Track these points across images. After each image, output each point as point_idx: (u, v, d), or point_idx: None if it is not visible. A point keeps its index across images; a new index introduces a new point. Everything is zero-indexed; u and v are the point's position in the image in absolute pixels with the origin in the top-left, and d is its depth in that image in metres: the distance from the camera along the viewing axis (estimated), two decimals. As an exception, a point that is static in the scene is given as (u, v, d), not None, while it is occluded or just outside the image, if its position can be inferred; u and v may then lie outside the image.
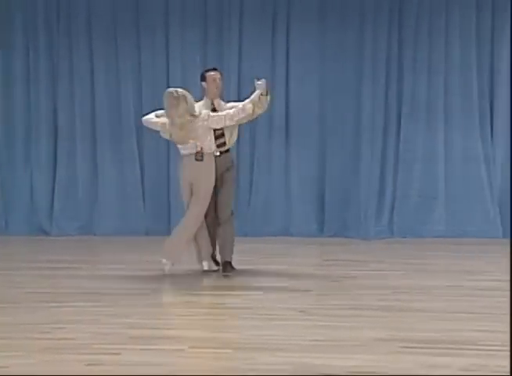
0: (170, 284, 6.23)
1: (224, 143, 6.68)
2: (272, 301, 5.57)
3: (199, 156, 6.49)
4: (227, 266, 6.64)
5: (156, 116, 6.71)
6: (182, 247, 6.61)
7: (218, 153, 6.62)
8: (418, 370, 3.82)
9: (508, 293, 5.76)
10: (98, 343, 4.37)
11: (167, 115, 6.50)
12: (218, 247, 6.76)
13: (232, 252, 6.71)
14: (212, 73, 6.81)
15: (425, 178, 9.03)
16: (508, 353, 4.10)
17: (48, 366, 3.97)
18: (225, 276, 6.51)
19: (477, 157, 8.96)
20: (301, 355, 4.13)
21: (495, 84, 8.99)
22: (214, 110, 6.69)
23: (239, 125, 6.80)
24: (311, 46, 9.09)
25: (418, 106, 9.02)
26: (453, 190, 9.02)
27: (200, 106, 6.66)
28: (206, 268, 6.68)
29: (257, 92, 6.49)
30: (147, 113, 6.88)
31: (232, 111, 6.53)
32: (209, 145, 6.52)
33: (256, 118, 6.96)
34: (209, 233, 6.70)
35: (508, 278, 6.40)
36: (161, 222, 9.19)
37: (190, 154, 6.50)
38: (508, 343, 4.28)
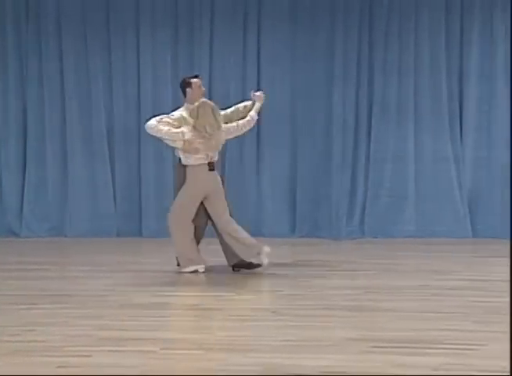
0: (141, 285, 6.20)
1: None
2: (243, 301, 5.57)
3: (212, 166, 6.62)
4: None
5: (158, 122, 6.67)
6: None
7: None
8: (388, 370, 3.84)
9: (478, 292, 5.82)
10: (68, 345, 4.33)
11: (201, 123, 6.51)
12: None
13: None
14: (196, 80, 6.91)
15: (396, 179, 9.09)
16: (475, 352, 4.13)
17: (17, 368, 3.93)
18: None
19: (447, 158, 9.04)
20: (273, 355, 4.13)
21: (464, 86, 9.07)
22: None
23: None
24: (282, 47, 9.10)
25: (388, 107, 9.08)
26: (423, 190, 9.09)
27: (182, 112, 6.73)
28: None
29: (258, 105, 6.87)
30: (149, 119, 6.81)
31: (242, 122, 6.80)
32: (216, 154, 6.69)
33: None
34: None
35: (477, 278, 6.47)
36: (133, 223, 9.16)
37: (200, 165, 6.55)
38: (476, 342, 4.31)
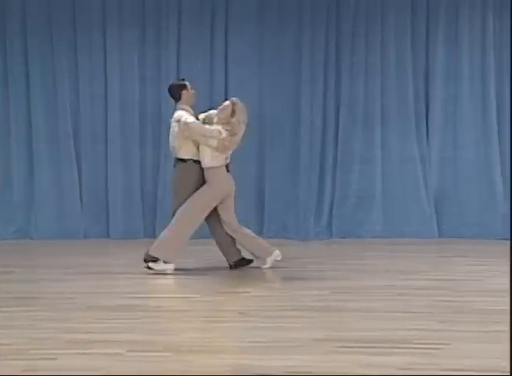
0: (108, 288, 6.17)
1: None
2: (211, 303, 5.56)
3: (228, 167, 6.80)
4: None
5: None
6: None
7: None
8: (355, 370, 3.86)
9: (444, 291, 5.87)
10: (34, 348, 4.29)
11: (237, 120, 6.67)
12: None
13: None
14: (187, 82, 6.98)
15: (363, 179, 9.14)
16: (441, 351, 4.16)
17: (-18, 372, 3.88)
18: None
19: (414, 158, 9.11)
20: (240, 356, 4.13)
21: (430, 87, 9.15)
22: (197, 117, 6.89)
23: None
24: (249, 48, 9.12)
25: (356, 108, 9.13)
26: (390, 191, 9.15)
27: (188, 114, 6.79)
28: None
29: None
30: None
31: None
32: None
33: None
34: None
35: (442, 277, 6.52)
36: (100, 224, 9.10)
37: (221, 166, 6.70)
38: (442, 341, 4.35)
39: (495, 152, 9.04)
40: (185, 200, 6.71)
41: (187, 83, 6.97)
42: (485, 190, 9.04)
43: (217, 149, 6.66)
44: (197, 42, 9.13)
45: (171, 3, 9.10)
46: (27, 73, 9.14)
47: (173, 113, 6.93)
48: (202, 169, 6.76)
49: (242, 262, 6.92)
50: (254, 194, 9.21)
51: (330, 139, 9.17)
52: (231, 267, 6.87)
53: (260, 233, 9.10)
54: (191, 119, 6.72)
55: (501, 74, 9.06)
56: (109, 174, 9.10)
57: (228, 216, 6.83)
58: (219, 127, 6.69)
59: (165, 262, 6.70)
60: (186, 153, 6.78)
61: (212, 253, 8.06)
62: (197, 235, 8.87)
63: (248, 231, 6.93)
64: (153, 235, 9.07)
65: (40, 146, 9.16)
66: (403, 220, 9.09)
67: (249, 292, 5.95)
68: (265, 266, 6.88)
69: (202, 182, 6.77)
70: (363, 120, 9.17)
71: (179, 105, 6.89)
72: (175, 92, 6.93)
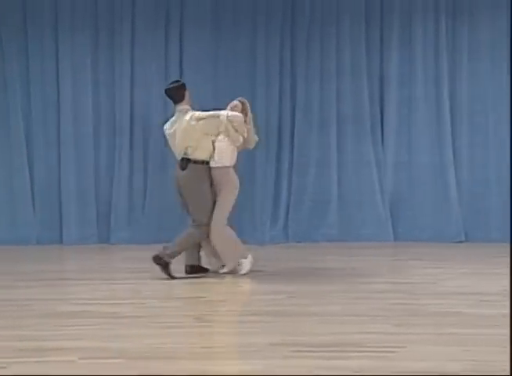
0: (61, 294, 6.09)
1: None
2: (166, 308, 5.50)
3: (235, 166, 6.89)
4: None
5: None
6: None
7: None
8: (311, 374, 3.84)
9: (400, 295, 5.89)
10: (-17, 357, 4.19)
11: (250, 117, 6.85)
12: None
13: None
14: None
15: (319, 183, 9.17)
16: (396, 354, 4.16)
17: None
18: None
19: (369, 162, 9.17)
20: (196, 362, 4.08)
21: (385, 91, 9.22)
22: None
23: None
24: (204, 52, 9.10)
25: (311, 111, 9.15)
26: (346, 195, 9.19)
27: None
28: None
29: None
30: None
31: None
32: None
33: None
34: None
35: (398, 280, 6.54)
36: (53, 230, 8.97)
37: (234, 165, 6.79)
38: (397, 344, 4.35)
39: (449, 154, 9.14)
40: (205, 202, 6.64)
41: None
42: (440, 193, 9.12)
43: (238, 146, 6.77)
44: (152, 46, 9.07)
45: (124, 6, 9.03)
46: (-23, 77, 9.00)
47: (175, 115, 6.78)
48: (209, 170, 6.70)
49: (197, 269, 6.81)
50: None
51: (286, 142, 9.18)
52: (186, 271, 6.79)
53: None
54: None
55: (454, 76, 9.15)
56: (62, 178, 8.98)
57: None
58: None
59: (244, 259, 6.78)
60: (202, 153, 6.69)
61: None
62: (153, 239, 8.89)
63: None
64: (108, 240, 9.00)
65: (-10, 150, 9.02)
66: (359, 224, 9.13)
67: (205, 297, 5.90)
68: (223, 270, 6.83)
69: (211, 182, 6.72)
70: (319, 124, 9.19)
71: (181, 105, 6.77)
72: (179, 93, 6.80)
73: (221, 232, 6.64)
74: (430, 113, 9.16)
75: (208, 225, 6.63)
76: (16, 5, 8.98)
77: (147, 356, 4.19)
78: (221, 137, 6.76)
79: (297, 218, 9.11)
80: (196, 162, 6.67)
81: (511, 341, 4.35)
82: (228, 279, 6.69)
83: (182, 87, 6.83)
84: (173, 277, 6.55)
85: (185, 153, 6.70)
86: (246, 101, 6.89)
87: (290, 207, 9.16)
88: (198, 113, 6.73)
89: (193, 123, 6.66)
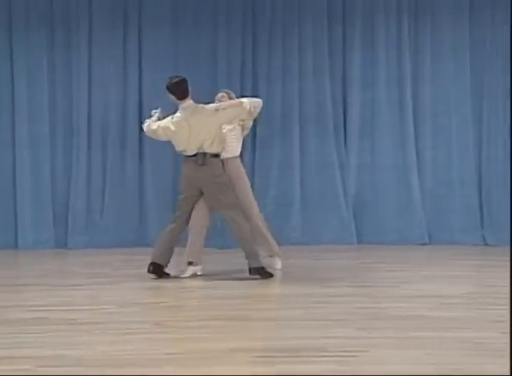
0: (16, 300, 5.95)
1: None
2: (125, 314, 5.40)
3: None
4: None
5: None
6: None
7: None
8: (273, 380, 3.79)
9: (362, 298, 5.86)
10: None
11: None
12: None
13: None
14: None
15: (281, 186, 9.12)
16: (358, 359, 4.12)
17: None
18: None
19: (332, 164, 9.14)
20: (156, 369, 4.00)
21: (347, 93, 9.20)
22: None
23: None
24: (164, 52, 9.01)
25: (273, 113, 9.11)
26: (309, 197, 9.15)
27: None
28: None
29: None
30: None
31: None
32: None
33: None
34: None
35: (361, 284, 6.52)
36: (7, 234, 8.80)
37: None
38: (359, 349, 4.31)
39: (412, 156, 9.15)
40: (232, 197, 6.62)
41: None
42: (403, 195, 9.13)
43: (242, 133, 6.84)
44: (109, 45, 8.97)
45: (81, 5, 8.90)
46: None
47: (180, 112, 6.66)
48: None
49: (160, 270, 6.71)
50: (170, 203, 9.05)
51: (248, 144, 9.11)
52: (148, 270, 6.66)
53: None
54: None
55: (417, 77, 9.17)
56: (17, 180, 8.82)
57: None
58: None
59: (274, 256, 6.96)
60: (218, 146, 6.62)
61: (128, 262, 7.92)
62: (112, 243, 8.77)
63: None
64: (65, 245, 8.85)
65: None
66: (322, 226, 9.10)
67: (166, 302, 5.82)
68: (184, 275, 6.75)
69: None
70: (281, 125, 9.15)
71: (187, 101, 6.66)
72: (186, 87, 6.68)
73: (257, 223, 6.81)
74: (393, 115, 9.17)
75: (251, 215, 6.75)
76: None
77: (106, 363, 4.10)
78: (231, 127, 6.70)
79: (258, 221, 9.04)
80: (213, 156, 6.59)
81: (511, 342, 4.34)
82: (189, 283, 6.60)
83: (185, 82, 6.70)
84: (271, 275, 6.63)
85: (200, 148, 6.58)
86: (231, 91, 6.93)
87: (253, 210, 9.08)
88: (215, 105, 6.68)
89: (211, 116, 6.58)
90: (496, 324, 4.89)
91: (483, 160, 9.17)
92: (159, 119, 6.85)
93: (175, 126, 6.65)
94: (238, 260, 8.04)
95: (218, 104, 6.74)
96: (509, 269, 6.80)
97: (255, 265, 6.60)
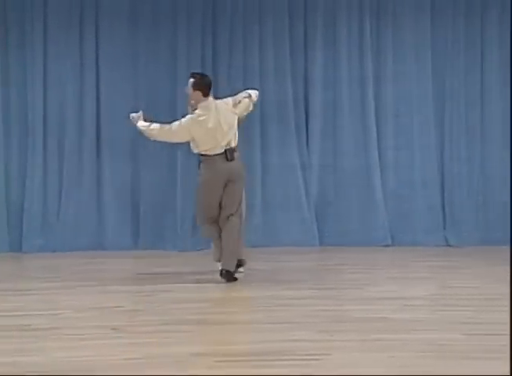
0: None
1: None
2: (81, 319, 5.28)
3: None
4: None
5: None
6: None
7: None
8: (234, 386, 3.70)
9: (324, 301, 5.83)
10: None
11: None
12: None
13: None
14: None
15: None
16: (320, 362, 4.06)
17: None
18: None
19: (294, 165, 9.07)
20: (113, 375, 3.88)
21: (309, 92, 9.14)
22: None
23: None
24: (121, 51, 8.88)
25: (234, 112, 9.00)
26: (270, 199, 9.07)
27: None
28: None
29: None
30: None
31: None
32: None
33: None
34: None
35: (322, 286, 6.48)
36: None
37: None
38: (321, 352, 4.25)
39: (374, 157, 9.11)
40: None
41: None
42: (366, 196, 9.09)
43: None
44: (65, 43, 8.80)
45: (35, 5, 8.71)
46: None
47: (202, 110, 6.49)
48: None
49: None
50: (129, 206, 8.94)
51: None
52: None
53: (136, 244, 8.86)
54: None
55: (378, 77, 9.15)
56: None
57: None
58: None
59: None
60: (235, 140, 6.57)
61: (85, 266, 7.79)
62: (68, 247, 8.61)
63: None
64: (20, 248, 8.65)
65: None
66: (283, 228, 9.03)
67: (123, 306, 5.70)
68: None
69: None
70: (242, 124, 9.03)
71: (210, 97, 6.55)
72: (211, 83, 6.60)
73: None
74: (355, 115, 9.13)
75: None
76: None
77: (63, 369, 3.98)
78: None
79: (219, 223, 8.95)
80: (236, 151, 6.54)
81: (511, 341, 4.31)
82: (147, 287, 6.49)
83: (209, 77, 6.67)
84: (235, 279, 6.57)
85: (228, 144, 6.49)
86: None
87: (213, 211, 8.98)
88: (231, 99, 6.63)
89: (233, 110, 6.55)
90: (459, 326, 4.89)
91: (445, 160, 9.18)
92: (145, 121, 6.70)
93: (204, 124, 6.45)
94: (197, 262, 7.97)
95: (233, 98, 6.67)
96: (472, 270, 6.83)
97: (228, 268, 6.47)
